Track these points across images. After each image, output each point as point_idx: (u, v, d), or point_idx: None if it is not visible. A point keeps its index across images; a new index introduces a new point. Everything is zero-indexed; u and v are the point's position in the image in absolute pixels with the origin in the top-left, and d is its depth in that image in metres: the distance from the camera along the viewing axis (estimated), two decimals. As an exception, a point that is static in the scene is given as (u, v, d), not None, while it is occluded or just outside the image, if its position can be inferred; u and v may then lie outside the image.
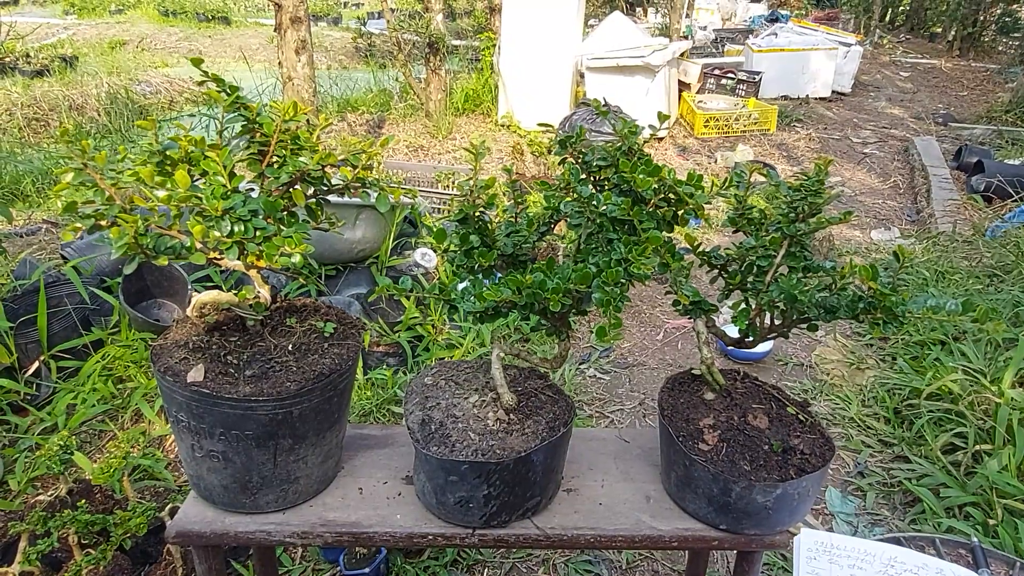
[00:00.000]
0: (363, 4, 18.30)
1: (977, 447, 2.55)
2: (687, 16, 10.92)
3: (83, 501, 2.11)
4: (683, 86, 7.90)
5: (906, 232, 5.31)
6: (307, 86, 4.71)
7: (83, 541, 2.04)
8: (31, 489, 2.41)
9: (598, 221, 0.94)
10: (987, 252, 4.39)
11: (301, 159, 0.95)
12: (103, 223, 0.95)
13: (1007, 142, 7.17)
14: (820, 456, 1.00)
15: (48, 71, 9.54)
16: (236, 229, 0.89)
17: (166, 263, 0.94)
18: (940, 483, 2.58)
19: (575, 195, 0.94)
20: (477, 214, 1.03)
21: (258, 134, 0.99)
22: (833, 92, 8.81)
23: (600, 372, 3.44)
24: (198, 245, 0.93)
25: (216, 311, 0.98)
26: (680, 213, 1.01)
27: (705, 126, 7.15)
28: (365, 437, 1.23)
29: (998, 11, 11.86)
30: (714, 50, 10.53)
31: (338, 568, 1.99)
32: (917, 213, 5.66)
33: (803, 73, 8.45)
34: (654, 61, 6.35)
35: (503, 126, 7.35)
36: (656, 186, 0.98)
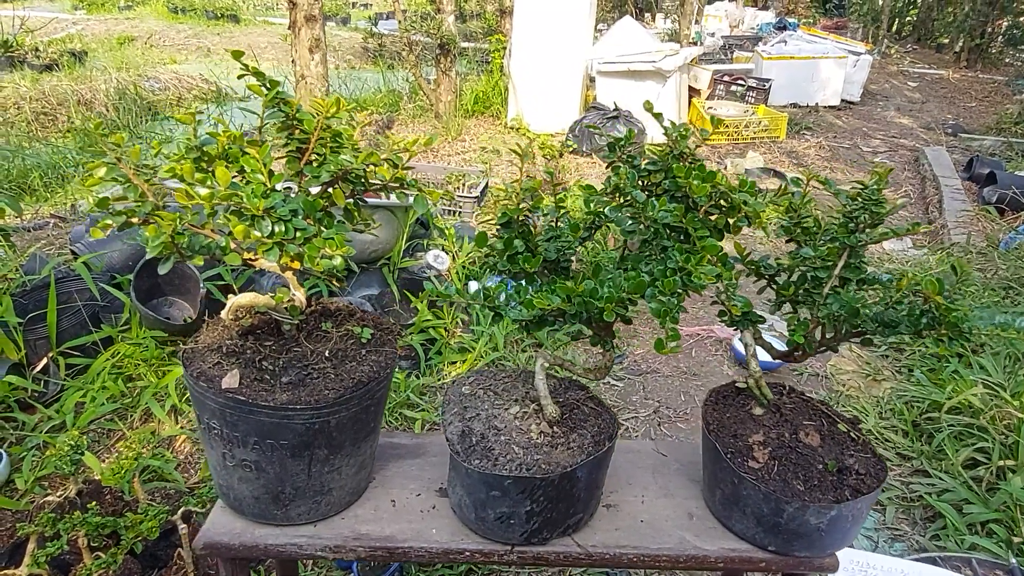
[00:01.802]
0: (372, 4, 18.30)
1: (1001, 462, 2.50)
2: (697, 22, 10.91)
3: (93, 503, 2.07)
4: (693, 92, 7.88)
5: (918, 243, 5.27)
6: (320, 84, 4.68)
7: (93, 544, 2.00)
8: (38, 489, 2.37)
9: (653, 228, 0.91)
10: (1002, 264, 4.36)
11: (344, 157, 0.91)
12: (135, 220, 0.91)
13: (1017, 154, 7.14)
14: (875, 477, 0.97)
15: (57, 65, 9.52)
16: (277, 229, 0.85)
17: (201, 263, 0.91)
18: (962, 499, 2.53)
19: (629, 200, 0.90)
20: (521, 218, 0.99)
21: (297, 131, 0.95)
22: (842, 101, 8.79)
23: (614, 379, 3.40)
24: (233, 245, 0.90)
25: (251, 314, 0.94)
26: (733, 221, 0.97)
27: (715, 132, 7.12)
28: (395, 446, 1.19)
29: (1006, 23, 11.84)
30: (723, 56, 10.52)
31: (351, 575, 1.95)
32: (929, 224, 5.62)
33: (813, 81, 8.42)
34: (666, 66, 6.32)
35: (512, 128, 7.32)
36: (710, 192, 0.94)
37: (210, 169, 0.89)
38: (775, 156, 6.92)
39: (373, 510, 1.04)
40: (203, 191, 0.81)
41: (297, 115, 0.94)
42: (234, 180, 0.92)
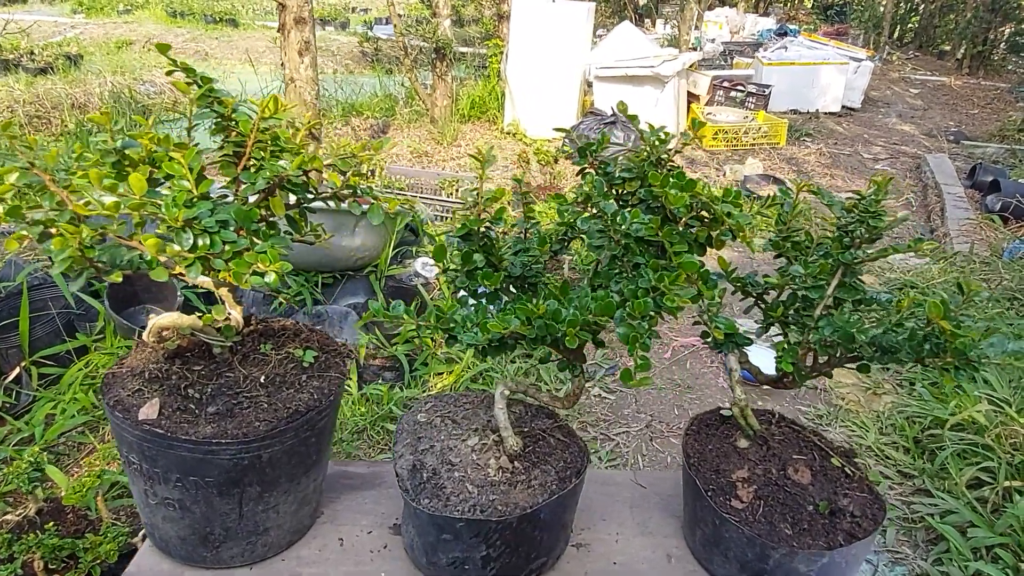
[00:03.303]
0: (371, 9, 18.28)
1: (1007, 483, 2.40)
2: (696, 28, 10.84)
3: (51, 523, 1.97)
4: (692, 97, 7.80)
5: (921, 252, 5.17)
6: (310, 88, 4.59)
7: (50, 567, 1.91)
8: (2, 505, 2.27)
9: (623, 242, 0.81)
10: (1006, 274, 4.25)
11: (281, 163, 0.82)
12: (53, 231, 0.82)
13: (1021, 161, 7.04)
14: (871, 519, 0.87)
15: (52, 69, 9.48)
16: (201, 243, 0.76)
17: (119, 279, 0.81)
18: (966, 521, 2.42)
19: (598, 211, 0.81)
20: (482, 230, 0.90)
21: (234, 133, 0.86)
22: (843, 107, 8.71)
23: (605, 391, 3.30)
24: (164, 259, 0.80)
25: (179, 335, 0.85)
26: (716, 234, 0.88)
27: (714, 138, 7.03)
28: (349, 476, 1.09)
29: (1008, 30, 11.77)
30: (723, 62, 10.45)
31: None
32: (931, 232, 5.53)
33: (813, 87, 8.34)
34: (664, 71, 6.24)
35: (509, 134, 7.24)
36: (690, 203, 0.84)
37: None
38: (775, 163, 6.83)
39: (318, 550, 0.94)
40: (109, 199, 0.72)
41: (233, 116, 0.85)
42: (160, 188, 0.83)
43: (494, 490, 0.83)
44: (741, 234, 0.85)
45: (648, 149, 0.90)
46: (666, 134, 0.89)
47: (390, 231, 3.61)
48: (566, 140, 6.71)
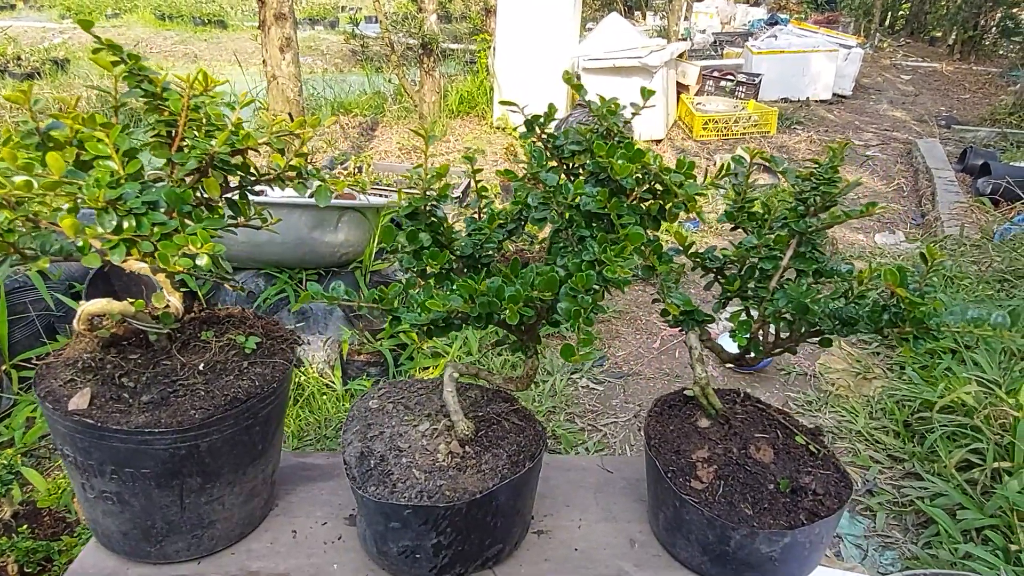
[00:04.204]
0: (361, 8, 18.21)
1: (996, 464, 2.37)
2: (685, 19, 10.80)
3: (24, 526, 1.95)
4: (681, 88, 7.76)
5: (911, 236, 5.15)
6: (292, 84, 4.56)
7: (26, 570, 1.88)
8: (-21, 510, 2.24)
9: (567, 215, 0.78)
10: (997, 256, 4.23)
11: (213, 142, 0.79)
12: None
13: (1012, 144, 7.01)
14: (836, 496, 0.84)
15: (39, 74, 9.43)
16: (126, 224, 0.73)
17: (47, 265, 0.78)
18: (956, 503, 2.40)
19: (539, 183, 0.78)
20: (428, 208, 0.87)
21: (165, 113, 0.83)
22: (834, 94, 8.67)
23: (593, 382, 3.28)
24: (97, 245, 0.77)
25: (115, 323, 0.82)
26: (668, 207, 0.85)
27: (704, 128, 7.00)
28: (307, 467, 1.06)
29: (999, 14, 11.73)
30: (713, 52, 10.41)
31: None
32: (922, 216, 5.50)
33: (803, 75, 8.30)
34: (651, 62, 6.21)
35: (498, 128, 7.20)
36: (639, 174, 0.82)
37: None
38: (765, 151, 6.80)
39: (270, 543, 0.91)
40: (20, 179, 0.69)
41: (164, 94, 0.82)
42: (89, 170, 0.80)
43: (442, 475, 0.80)
44: (693, 206, 0.82)
45: (598, 120, 0.87)
46: (615, 103, 0.86)
47: (374, 225, 3.57)
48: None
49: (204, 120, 0.84)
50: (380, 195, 4.78)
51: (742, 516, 0.82)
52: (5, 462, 1.99)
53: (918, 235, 5.15)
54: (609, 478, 1.08)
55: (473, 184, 0.95)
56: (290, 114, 4.44)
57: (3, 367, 2.75)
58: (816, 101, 8.51)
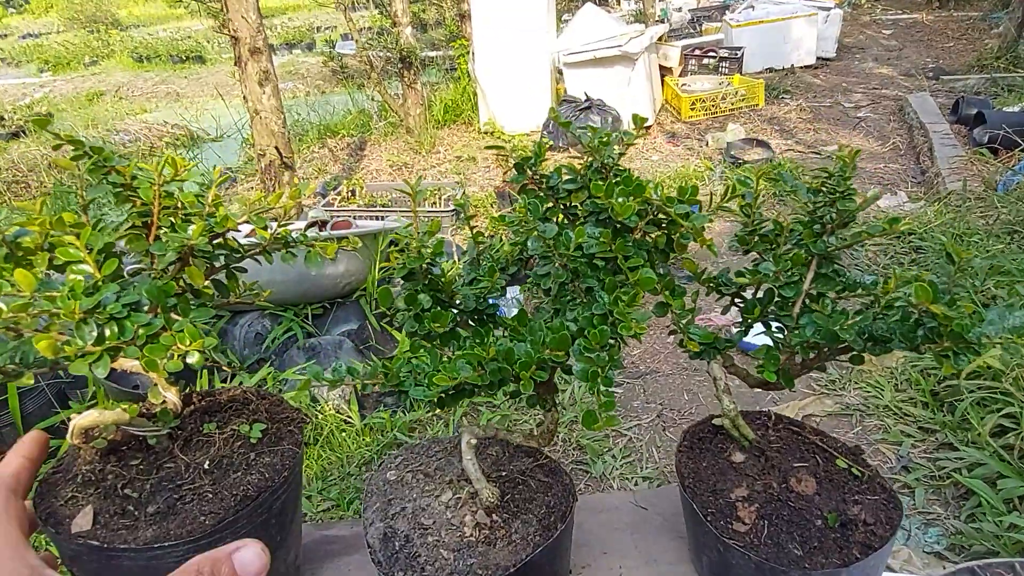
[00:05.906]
0: (336, 27, 18.16)
1: (1032, 429, 2.32)
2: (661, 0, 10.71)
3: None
4: (665, 71, 7.69)
5: (913, 195, 5.07)
6: (275, 118, 4.52)
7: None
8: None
9: (571, 266, 0.74)
10: (1003, 208, 4.16)
11: (189, 231, 0.75)
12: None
13: (1003, 89, 6.91)
14: (887, 523, 0.79)
15: (24, 132, 9.44)
16: (108, 332, 0.69)
17: (31, 383, 0.74)
18: (995, 472, 2.34)
19: (538, 235, 0.74)
20: (424, 266, 0.83)
21: (138, 203, 0.79)
22: (818, 58, 8.58)
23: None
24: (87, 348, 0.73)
25: (109, 432, 0.78)
26: (676, 237, 0.80)
27: (692, 109, 6.93)
28: (331, 540, 1.02)
29: (976, -44, 11.59)
30: (692, 30, 10.31)
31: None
32: (922, 174, 5.42)
33: (785, 42, 8.21)
34: (632, 49, 6.14)
35: (486, 133, 7.15)
36: (641, 209, 0.77)
37: (28, 266, 0.72)
38: (757, 125, 6.73)
39: (300, 633, 0.87)
40: (-10, 305, 0.65)
41: (133, 183, 0.78)
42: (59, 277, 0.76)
43: (471, 552, 0.76)
44: (701, 239, 0.77)
45: (592, 155, 0.82)
46: (607, 134, 0.81)
47: (373, 252, 3.54)
48: (544, 132, 6.62)
49: (178, 206, 0.80)
50: (376, 218, 4.73)
51: (792, 558, 0.77)
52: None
53: (920, 193, 5.07)
54: (644, 515, 1.04)
55: (470, 232, 0.91)
56: (277, 147, 4.40)
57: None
58: (801, 67, 8.42)
